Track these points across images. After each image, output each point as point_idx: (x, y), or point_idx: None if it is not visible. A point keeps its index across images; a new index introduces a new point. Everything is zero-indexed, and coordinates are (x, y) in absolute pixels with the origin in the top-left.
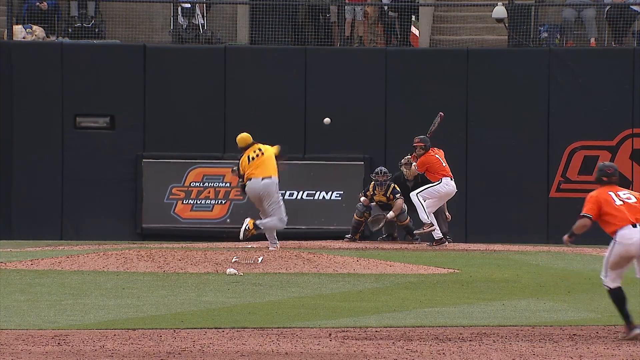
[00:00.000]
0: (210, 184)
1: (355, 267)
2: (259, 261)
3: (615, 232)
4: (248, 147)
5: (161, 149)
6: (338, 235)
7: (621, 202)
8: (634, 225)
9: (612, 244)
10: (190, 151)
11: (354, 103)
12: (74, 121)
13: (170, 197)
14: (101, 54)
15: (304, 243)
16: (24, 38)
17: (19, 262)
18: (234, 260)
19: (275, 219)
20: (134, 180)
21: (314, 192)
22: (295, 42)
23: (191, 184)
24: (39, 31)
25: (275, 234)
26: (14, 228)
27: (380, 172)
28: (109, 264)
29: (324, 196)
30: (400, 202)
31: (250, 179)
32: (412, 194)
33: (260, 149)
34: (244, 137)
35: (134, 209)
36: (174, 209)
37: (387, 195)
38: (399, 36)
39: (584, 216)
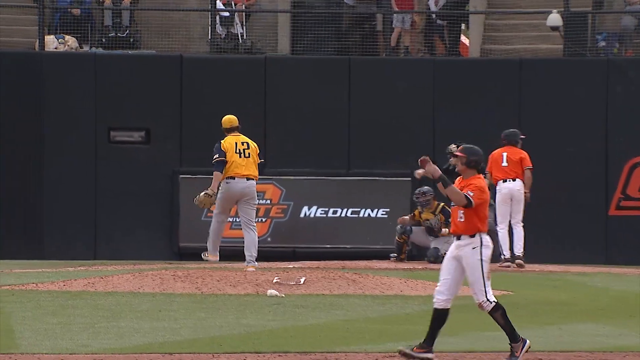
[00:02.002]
0: None
1: (402, 288)
2: (302, 282)
3: (480, 234)
4: (232, 130)
5: (199, 165)
6: (384, 255)
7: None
8: None
9: (481, 250)
10: None
11: (401, 116)
12: (107, 135)
13: (208, 214)
14: (136, 65)
15: (348, 263)
16: (56, 48)
17: (51, 283)
18: (275, 281)
19: (252, 233)
20: (170, 197)
21: (359, 209)
22: (339, 52)
23: None
24: (71, 41)
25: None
26: (46, 247)
27: (420, 193)
28: (145, 285)
29: (369, 214)
30: (445, 231)
31: (234, 178)
32: (518, 226)
33: (247, 143)
34: (231, 118)
35: (171, 228)
36: None
37: (436, 213)
38: (447, 45)
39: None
